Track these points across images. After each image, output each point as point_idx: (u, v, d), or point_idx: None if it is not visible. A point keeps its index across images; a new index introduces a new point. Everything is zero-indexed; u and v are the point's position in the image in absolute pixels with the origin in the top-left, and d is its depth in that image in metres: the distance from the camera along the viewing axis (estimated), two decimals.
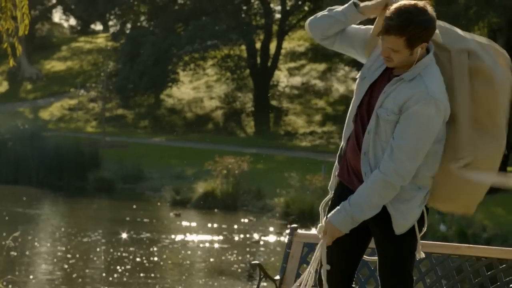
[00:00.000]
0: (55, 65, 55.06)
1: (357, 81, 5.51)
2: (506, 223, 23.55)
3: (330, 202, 5.58)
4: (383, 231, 5.41)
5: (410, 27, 5.19)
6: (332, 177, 5.63)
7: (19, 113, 45.18)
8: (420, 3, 5.24)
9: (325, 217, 5.46)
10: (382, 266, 5.47)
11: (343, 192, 5.48)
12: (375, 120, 5.34)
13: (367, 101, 5.42)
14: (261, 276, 6.31)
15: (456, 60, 5.38)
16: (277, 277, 6.43)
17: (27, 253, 20.46)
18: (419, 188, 5.36)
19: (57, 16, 64.23)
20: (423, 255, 5.55)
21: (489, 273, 6.28)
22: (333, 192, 5.59)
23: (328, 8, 5.54)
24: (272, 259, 20.68)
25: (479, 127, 5.37)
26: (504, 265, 6.22)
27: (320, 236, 5.43)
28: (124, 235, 23.81)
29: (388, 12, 5.25)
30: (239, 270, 20.20)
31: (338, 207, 5.37)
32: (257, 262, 6.40)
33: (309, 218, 25.84)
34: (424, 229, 5.46)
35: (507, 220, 23.92)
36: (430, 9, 5.26)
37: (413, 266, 5.47)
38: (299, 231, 6.66)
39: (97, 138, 39.87)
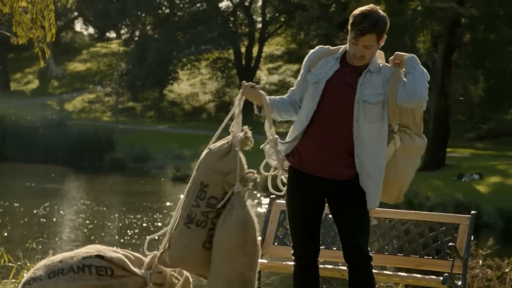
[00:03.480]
0: (77, 66, 54.86)
1: (311, 87, 5.42)
2: (445, 194, 23.60)
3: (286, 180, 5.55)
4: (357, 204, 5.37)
5: (378, 23, 5.23)
6: (279, 161, 5.56)
7: (48, 106, 45.04)
8: (371, 6, 5.30)
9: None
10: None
11: (300, 178, 5.42)
12: (360, 109, 5.26)
13: (328, 101, 5.35)
14: None
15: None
16: (259, 238, 6.42)
17: (54, 220, 20.42)
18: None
19: (78, 26, 64.02)
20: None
21: (431, 234, 6.28)
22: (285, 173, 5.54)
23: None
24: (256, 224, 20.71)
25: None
26: (443, 227, 6.22)
27: None
28: (134, 205, 23.79)
29: (354, 19, 5.25)
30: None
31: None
32: None
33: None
34: None
35: (446, 191, 23.98)
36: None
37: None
38: (277, 201, 6.65)
39: (111, 126, 39.78)
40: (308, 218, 5.44)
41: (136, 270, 5.46)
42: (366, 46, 5.26)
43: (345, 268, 5.61)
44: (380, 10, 5.31)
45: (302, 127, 5.40)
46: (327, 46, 5.58)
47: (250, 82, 5.40)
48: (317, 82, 5.39)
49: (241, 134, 5.51)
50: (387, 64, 5.39)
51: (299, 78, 5.56)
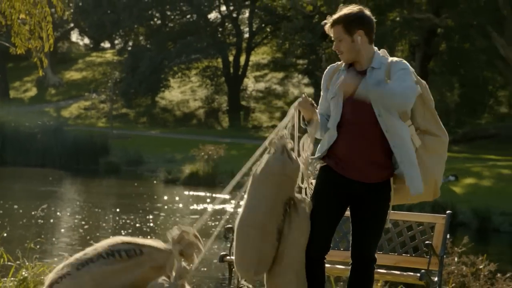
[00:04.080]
0: (73, 75, 54.73)
1: (332, 103, 5.38)
2: None
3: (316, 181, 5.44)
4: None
5: (344, 15, 5.26)
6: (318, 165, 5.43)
7: (45, 112, 44.91)
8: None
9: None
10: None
11: (337, 181, 5.33)
12: (376, 107, 5.23)
13: (349, 109, 5.31)
14: (233, 237, 6.29)
15: None
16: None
17: (51, 221, 20.37)
18: None
19: (74, 36, 63.80)
20: None
21: (409, 233, 6.30)
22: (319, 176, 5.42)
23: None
24: None
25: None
26: (421, 226, 6.24)
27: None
28: (127, 206, 23.74)
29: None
30: (216, 233, 20.18)
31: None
32: (230, 226, 6.37)
33: None
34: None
35: None
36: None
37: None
38: None
39: (106, 131, 39.70)
40: (332, 217, 5.37)
41: (162, 246, 5.47)
42: (338, 39, 5.26)
43: (342, 266, 5.63)
44: (358, 8, 5.30)
45: (331, 139, 5.34)
46: (336, 63, 5.53)
47: (310, 99, 5.33)
48: (334, 96, 5.37)
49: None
50: (393, 58, 5.35)
51: (321, 100, 5.54)
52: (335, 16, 5.28)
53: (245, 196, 5.50)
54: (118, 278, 5.27)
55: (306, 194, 5.45)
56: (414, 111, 5.34)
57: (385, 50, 5.48)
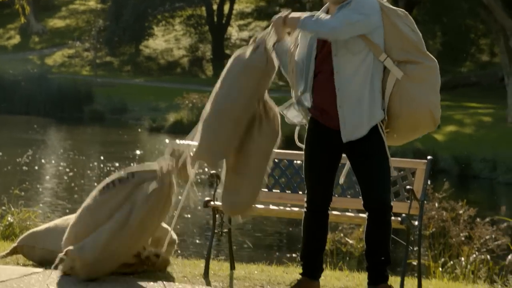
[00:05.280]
0: (56, 23, 54.24)
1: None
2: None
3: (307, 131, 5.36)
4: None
5: None
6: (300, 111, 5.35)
7: (29, 60, 44.60)
8: None
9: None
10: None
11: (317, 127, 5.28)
12: (338, 42, 5.14)
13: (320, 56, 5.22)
14: (217, 183, 6.30)
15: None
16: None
17: (36, 168, 20.36)
18: None
19: None
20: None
21: (390, 178, 6.31)
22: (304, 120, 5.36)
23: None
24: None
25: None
26: (401, 172, 6.27)
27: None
28: (112, 154, 23.74)
29: None
30: (200, 180, 20.24)
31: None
32: (214, 172, 6.37)
33: None
34: None
35: None
36: None
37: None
38: None
39: (90, 80, 39.50)
40: (326, 169, 5.31)
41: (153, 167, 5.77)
42: None
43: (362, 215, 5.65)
44: None
45: (307, 89, 5.25)
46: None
47: (290, 17, 5.25)
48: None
49: None
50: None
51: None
52: None
53: (219, 83, 5.43)
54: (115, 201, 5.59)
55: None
56: (388, 44, 5.18)
57: None
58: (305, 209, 5.40)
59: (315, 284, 5.41)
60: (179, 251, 6.27)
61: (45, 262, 5.90)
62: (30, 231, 6.20)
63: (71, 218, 6.08)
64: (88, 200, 5.74)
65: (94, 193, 5.75)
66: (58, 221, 6.18)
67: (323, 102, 5.21)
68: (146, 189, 5.58)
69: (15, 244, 6.12)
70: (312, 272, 5.39)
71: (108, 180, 5.71)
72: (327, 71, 5.19)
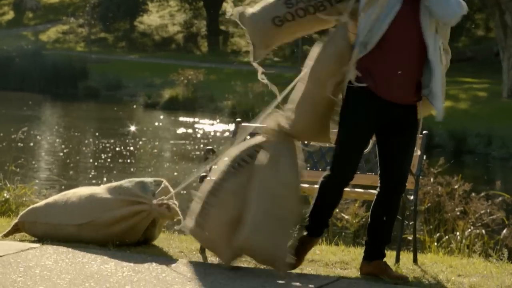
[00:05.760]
0: None
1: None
2: None
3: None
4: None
5: None
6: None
7: (23, 36, 44.46)
8: None
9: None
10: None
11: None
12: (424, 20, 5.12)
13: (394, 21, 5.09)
14: (213, 158, 6.31)
15: None
16: (226, 159, 6.45)
17: (31, 144, 20.35)
18: None
19: None
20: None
21: None
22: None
23: None
24: (221, 147, 20.75)
25: None
26: None
27: None
28: (107, 130, 23.73)
29: None
30: (195, 156, 20.25)
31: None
32: (210, 147, 6.39)
33: (251, 116, 25.85)
34: None
35: None
36: None
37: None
38: (242, 123, 6.66)
39: (85, 56, 39.41)
40: (366, 144, 5.29)
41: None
42: None
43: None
44: None
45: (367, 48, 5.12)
46: None
47: None
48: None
49: None
50: None
51: None
52: None
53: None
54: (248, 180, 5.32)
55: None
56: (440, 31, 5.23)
57: None
58: (331, 177, 5.27)
59: (317, 240, 5.49)
60: (175, 227, 6.30)
61: (47, 237, 5.94)
62: (30, 207, 6.25)
63: (69, 193, 6.12)
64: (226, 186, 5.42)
65: (221, 174, 5.45)
66: (56, 197, 6.22)
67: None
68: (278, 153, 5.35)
69: (16, 221, 6.15)
70: (318, 231, 5.40)
71: (233, 158, 5.48)
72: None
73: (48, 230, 5.96)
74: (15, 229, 6.14)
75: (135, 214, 5.86)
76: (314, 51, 5.26)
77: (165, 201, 5.86)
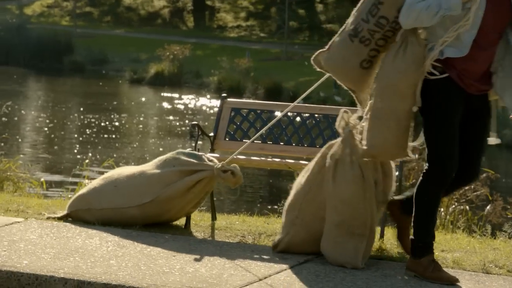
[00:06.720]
0: None
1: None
2: None
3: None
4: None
5: None
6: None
7: (7, 10, 44.18)
8: None
9: None
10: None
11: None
12: None
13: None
14: (199, 133, 6.31)
15: None
16: (211, 134, 6.45)
17: (15, 119, 20.29)
18: None
19: None
20: None
21: None
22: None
23: None
24: (207, 123, 20.79)
25: None
26: None
27: None
28: (92, 105, 23.67)
29: None
30: (181, 132, 20.25)
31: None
32: (196, 122, 6.39)
33: (236, 91, 25.87)
34: None
35: None
36: None
37: None
38: (228, 99, 6.67)
39: (70, 30, 39.22)
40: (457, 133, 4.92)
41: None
42: None
43: None
44: None
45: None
46: None
47: None
48: None
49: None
50: None
51: None
52: None
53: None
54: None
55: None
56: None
57: None
58: (436, 174, 4.89)
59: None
60: None
61: (109, 222, 5.75)
62: (77, 195, 6.02)
63: (114, 175, 5.93)
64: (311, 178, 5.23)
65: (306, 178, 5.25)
66: (100, 181, 5.97)
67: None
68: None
69: (66, 212, 5.95)
70: (430, 248, 4.95)
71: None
72: None
73: (109, 214, 5.78)
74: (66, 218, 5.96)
75: (197, 183, 5.72)
76: (387, 64, 4.90)
77: (228, 167, 5.73)
